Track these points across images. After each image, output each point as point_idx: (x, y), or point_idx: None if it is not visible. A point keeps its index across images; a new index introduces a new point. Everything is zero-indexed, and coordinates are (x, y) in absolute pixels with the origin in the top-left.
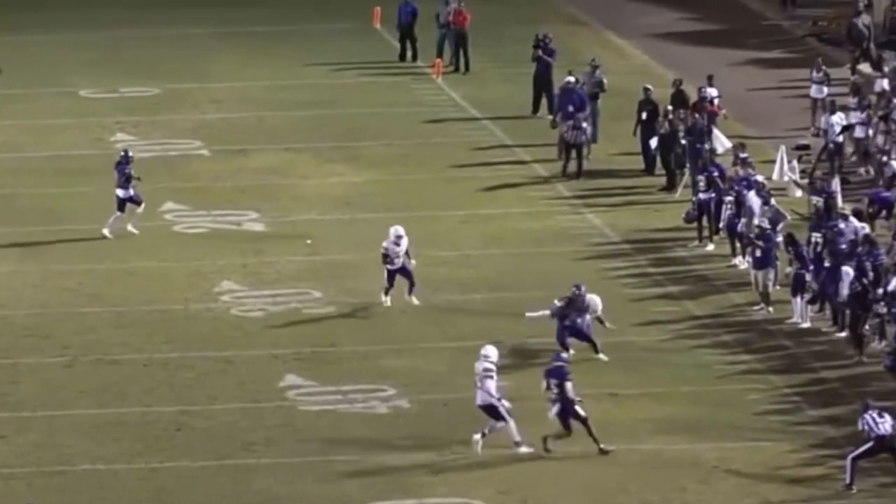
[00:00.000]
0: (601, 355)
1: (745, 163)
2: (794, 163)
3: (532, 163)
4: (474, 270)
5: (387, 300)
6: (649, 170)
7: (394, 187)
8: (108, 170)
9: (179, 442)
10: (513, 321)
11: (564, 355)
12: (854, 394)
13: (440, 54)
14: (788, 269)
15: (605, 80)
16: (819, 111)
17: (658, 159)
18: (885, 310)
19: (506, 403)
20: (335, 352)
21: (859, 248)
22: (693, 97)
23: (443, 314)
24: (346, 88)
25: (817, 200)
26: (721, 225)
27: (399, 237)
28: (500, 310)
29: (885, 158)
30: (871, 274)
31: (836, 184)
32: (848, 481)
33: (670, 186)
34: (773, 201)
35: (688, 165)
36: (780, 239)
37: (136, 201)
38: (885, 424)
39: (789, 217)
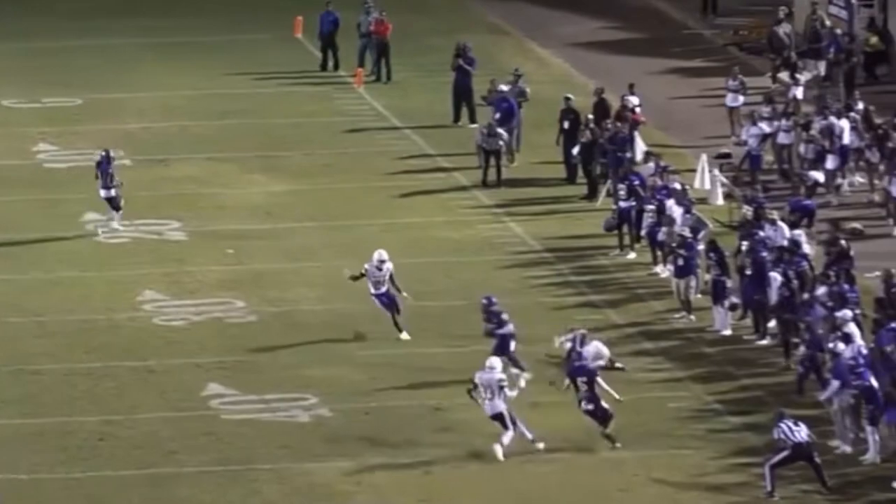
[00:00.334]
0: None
1: (665, 171)
2: (717, 171)
3: (453, 170)
4: (397, 280)
5: (404, 334)
6: (571, 179)
7: (315, 197)
8: (31, 179)
9: (102, 451)
10: (433, 330)
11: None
12: (776, 402)
13: (362, 64)
14: (707, 277)
15: (527, 90)
16: (738, 120)
17: (580, 168)
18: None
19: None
20: (257, 361)
21: (784, 255)
22: (615, 106)
23: (364, 323)
24: (267, 98)
25: (747, 209)
26: (642, 233)
27: (382, 261)
28: (422, 319)
29: (805, 166)
30: (794, 281)
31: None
32: (769, 489)
33: (592, 195)
34: (694, 209)
35: (609, 174)
36: (701, 247)
37: (114, 204)
38: (800, 432)
39: (710, 225)
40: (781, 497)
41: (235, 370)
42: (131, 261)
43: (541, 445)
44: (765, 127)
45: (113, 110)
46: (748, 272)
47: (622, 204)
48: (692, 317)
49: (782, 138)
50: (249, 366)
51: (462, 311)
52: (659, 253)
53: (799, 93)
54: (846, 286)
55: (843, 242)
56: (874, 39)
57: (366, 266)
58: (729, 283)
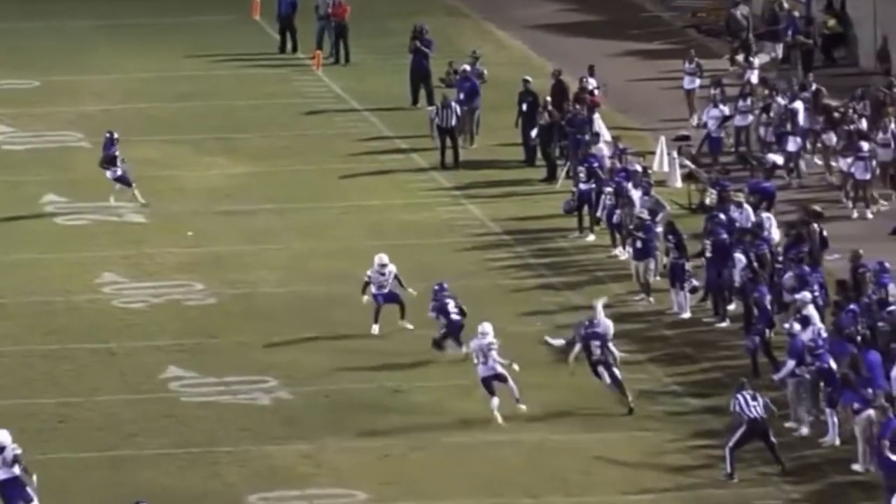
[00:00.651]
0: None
1: (624, 153)
2: (675, 153)
3: (412, 153)
4: (355, 262)
5: (375, 328)
6: (530, 161)
7: (274, 179)
8: None
9: (62, 434)
10: (392, 312)
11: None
12: (735, 384)
13: (320, 46)
14: (665, 260)
15: (485, 72)
16: (695, 102)
17: (539, 150)
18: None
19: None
20: (217, 343)
21: (747, 238)
22: (573, 88)
23: (324, 306)
24: (226, 80)
25: (711, 192)
26: (599, 214)
27: (383, 265)
28: None
29: (764, 150)
30: (755, 264)
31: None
32: (728, 471)
33: (551, 177)
34: (652, 191)
35: (568, 156)
36: (659, 229)
37: (125, 181)
38: (757, 407)
39: (668, 207)
40: (741, 479)
41: (195, 352)
42: (90, 243)
43: (523, 407)
44: (725, 109)
45: (71, 92)
46: (708, 254)
47: (582, 186)
48: (651, 299)
49: (739, 120)
50: (209, 348)
51: (421, 294)
52: (618, 235)
53: (754, 77)
54: (807, 268)
55: (814, 226)
56: (832, 22)
57: (368, 273)
58: (688, 266)
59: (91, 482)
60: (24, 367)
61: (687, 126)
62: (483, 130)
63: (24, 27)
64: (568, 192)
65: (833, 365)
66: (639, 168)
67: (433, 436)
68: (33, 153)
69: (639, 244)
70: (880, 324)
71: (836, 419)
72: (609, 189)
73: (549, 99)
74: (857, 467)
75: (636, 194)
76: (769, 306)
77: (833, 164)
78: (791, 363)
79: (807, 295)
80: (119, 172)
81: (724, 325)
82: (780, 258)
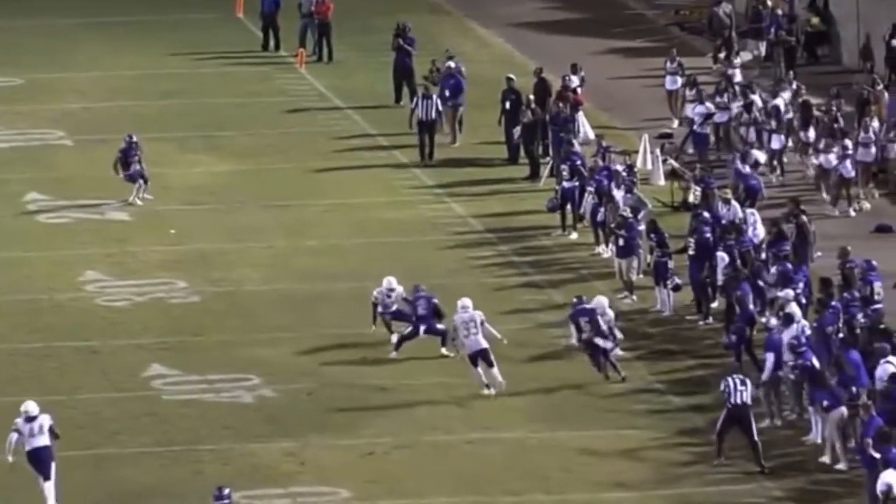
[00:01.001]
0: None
1: (608, 151)
2: (658, 151)
3: (395, 151)
4: (339, 260)
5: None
6: (513, 159)
7: (258, 177)
8: None
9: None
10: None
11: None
12: (718, 382)
13: (303, 44)
14: (649, 258)
15: (462, 69)
16: (677, 101)
17: (521, 148)
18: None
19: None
20: (200, 341)
21: (731, 235)
22: (556, 86)
23: (307, 304)
24: (209, 78)
25: (695, 190)
26: (582, 212)
27: (391, 290)
28: (365, 299)
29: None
30: (738, 261)
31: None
32: (715, 453)
33: (534, 175)
34: (635, 189)
35: (551, 154)
36: (642, 227)
37: (135, 178)
38: (744, 393)
39: (651, 205)
40: (726, 476)
41: (178, 350)
42: (73, 241)
43: (492, 391)
44: (711, 106)
45: (54, 90)
46: (691, 252)
47: (565, 184)
48: (634, 297)
49: (718, 117)
50: (192, 346)
51: (405, 291)
52: (601, 233)
53: (737, 75)
54: (789, 266)
55: (803, 218)
56: (815, 20)
57: (375, 294)
58: (671, 264)
59: (74, 480)
60: (8, 365)
61: (669, 124)
62: (466, 128)
63: (8, 25)
64: (551, 190)
65: (816, 363)
66: (620, 168)
67: (416, 434)
68: (16, 151)
69: (621, 242)
70: (861, 319)
71: (819, 417)
72: (591, 188)
73: (531, 97)
74: (824, 459)
75: (619, 192)
76: (751, 305)
77: (814, 160)
78: (771, 357)
79: (789, 292)
80: (131, 171)
81: (707, 322)
82: (763, 255)
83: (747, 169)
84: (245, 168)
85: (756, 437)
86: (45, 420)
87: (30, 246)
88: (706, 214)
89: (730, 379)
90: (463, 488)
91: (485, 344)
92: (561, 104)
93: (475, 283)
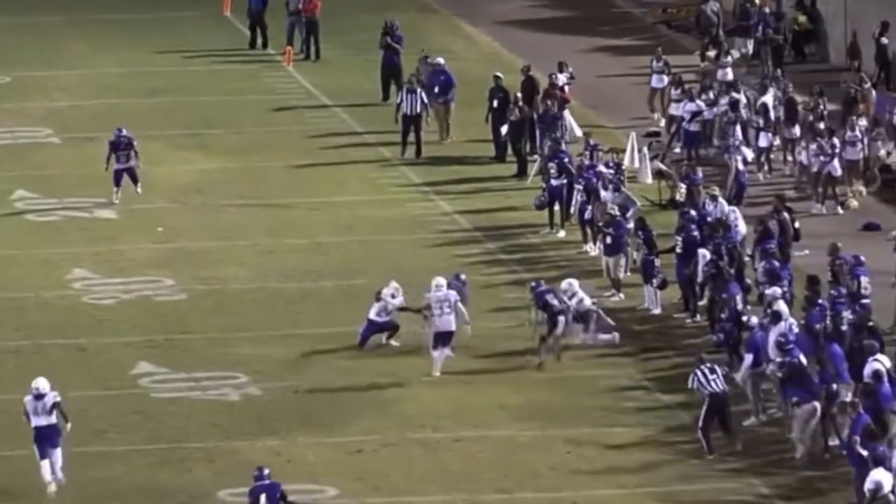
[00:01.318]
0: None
1: (595, 150)
2: (645, 149)
3: (383, 149)
4: (325, 258)
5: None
6: (500, 157)
7: (245, 175)
8: None
9: (32, 430)
10: (364, 308)
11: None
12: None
13: (290, 42)
14: (636, 255)
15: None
16: (663, 99)
17: (509, 146)
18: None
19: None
20: (187, 339)
21: (719, 231)
22: (544, 84)
23: (294, 302)
24: (196, 76)
25: (681, 187)
26: (571, 210)
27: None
28: (352, 297)
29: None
30: (725, 258)
31: (699, 172)
32: (706, 450)
33: (521, 173)
34: (623, 188)
35: (539, 152)
36: (630, 225)
37: (118, 179)
38: (716, 381)
39: (639, 203)
40: (711, 475)
41: (165, 348)
42: (61, 239)
43: (436, 374)
44: (701, 104)
45: (42, 88)
46: (678, 250)
47: (553, 182)
48: (622, 295)
49: (707, 114)
50: (179, 344)
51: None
52: (588, 231)
53: (728, 74)
54: (776, 263)
55: (785, 215)
56: (802, 18)
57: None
58: (657, 262)
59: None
60: None
61: (657, 123)
62: (453, 126)
63: None
64: (538, 187)
65: (803, 360)
66: (604, 169)
67: (404, 432)
68: (4, 149)
69: (609, 240)
70: (847, 315)
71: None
72: (579, 186)
73: (519, 95)
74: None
75: (606, 191)
76: (739, 305)
77: (799, 158)
78: (749, 358)
79: (777, 290)
80: (128, 164)
81: (694, 320)
82: (749, 252)
83: (741, 166)
84: (232, 166)
85: (732, 426)
86: (52, 398)
87: (17, 244)
88: (693, 213)
89: (698, 371)
90: (452, 486)
91: (453, 327)
92: (549, 102)
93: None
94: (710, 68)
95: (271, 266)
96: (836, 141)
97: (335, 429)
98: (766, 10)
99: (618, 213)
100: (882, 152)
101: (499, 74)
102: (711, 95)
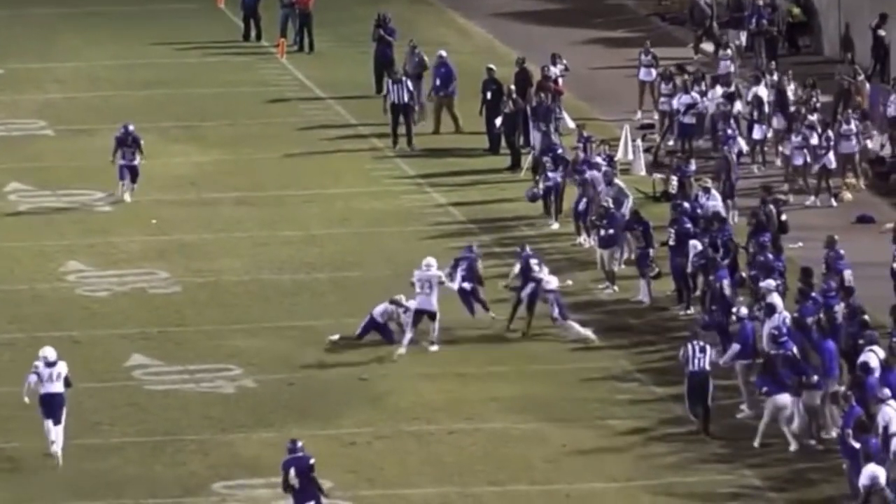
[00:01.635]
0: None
1: (589, 142)
2: (639, 142)
3: (376, 140)
4: (319, 250)
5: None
6: (494, 149)
7: (239, 167)
8: None
9: (25, 422)
10: (358, 300)
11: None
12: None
13: (284, 34)
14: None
15: (426, 59)
16: (652, 92)
17: (503, 139)
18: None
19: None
20: (182, 331)
21: (714, 224)
22: (537, 76)
23: (288, 294)
24: (190, 68)
25: (674, 179)
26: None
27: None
28: (346, 289)
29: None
30: (721, 250)
31: (692, 164)
32: (696, 429)
33: (515, 166)
34: (616, 180)
35: (532, 146)
36: (625, 215)
37: (122, 175)
38: (702, 361)
39: (632, 196)
40: (705, 466)
41: (159, 341)
42: (55, 231)
43: (434, 348)
44: (696, 96)
45: (35, 80)
46: (671, 243)
47: (549, 174)
48: (616, 288)
49: (702, 107)
50: (173, 336)
51: (386, 281)
52: (581, 224)
53: (730, 66)
54: (771, 256)
55: (770, 208)
56: (796, 10)
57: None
58: (652, 253)
59: (55, 470)
60: None
61: (651, 115)
62: (446, 118)
63: None
64: (531, 180)
65: (797, 352)
66: (603, 157)
67: (398, 424)
68: None
69: (603, 233)
70: (841, 309)
71: (800, 406)
72: (575, 178)
73: (512, 87)
74: (756, 444)
75: (600, 182)
76: (726, 290)
77: (782, 150)
78: (736, 347)
79: (771, 282)
80: (127, 163)
81: (688, 312)
82: (744, 245)
83: (735, 158)
84: (226, 158)
85: (710, 403)
86: (62, 368)
87: (11, 236)
88: (686, 205)
89: (689, 345)
90: (445, 479)
91: (433, 307)
92: (542, 94)
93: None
94: (705, 60)
95: (265, 258)
96: (830, 133)
97: (329, 421)
98: (760, 1)
99: (612, 206)
100: (872, 145)
101: (491, 66)
102: (703, 87)
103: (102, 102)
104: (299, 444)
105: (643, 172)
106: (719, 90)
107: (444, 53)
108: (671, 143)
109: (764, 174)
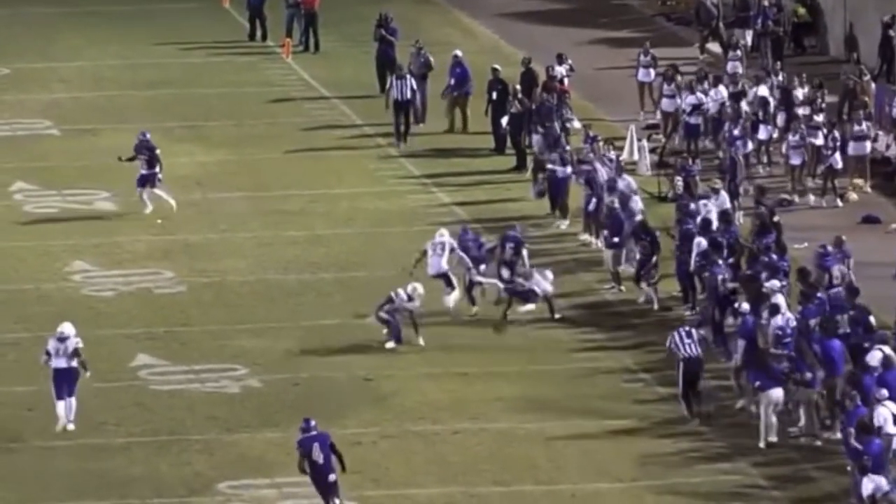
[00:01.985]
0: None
1: (595, 141)
2: (644, 142)
3: (382, 141)
4: (324, 250)
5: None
6: (499, 149)
7: (244, 167)
8: None
9: (31, 421)
10: (363, 300)
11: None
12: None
13: (289, 34)
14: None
15: (432, 60)
16: (652, 93)
17: (509, 139)
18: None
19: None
20: (187, 331)
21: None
22: (543, 76)
23: (293, 294)
24: (195, 68)
25: (678, 180)
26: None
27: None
28: (351, 289)
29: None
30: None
31: (698, 164)
32: (685, 414)
33: (520, 166)
34: (621, 181)
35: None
36: (638, 217)
37: (142, 183)
38: (691, 346)
39: (638, 196)
40: (708, 466)
41: (165, 341)
42: (60, 231)
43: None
44: (702, 96)
45: (41, 80)
46: (676, 243)
47: (558, 171)
48: (622, 288)
49: (711, 109)
50: (179, 336)
51: (391, 281)
52: (591, 223)
53: (739, 67)
54: (775, 256)
55: (762, 209)
56: (802, 10)
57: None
58: (655, 261)
59: (60, 470)
60: None
61: (654, 115)
62: (452, 118)
63: None
64: (533, 180)
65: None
66: (613, 155)
67: (403, 424)
68: (3, 141)
69: (608, 233)
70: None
71: (800, 409)
72: (581, 179)
73: (518, 87)
74: (762, 444)
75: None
76: (720, 287)
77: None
78: (742, 344)
79: (775, 283)
80: (144, 172)
81: (693, 313)
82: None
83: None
84: (231, 158)
85: (700, 388)
86: (74, 343)
87: (16, 236)
88: (692, 206)
89: (675, 333)
90: (450, 478)
91: (445, 268)
92: (544, 94)
93: (460, 272)
94: (711, 60)
95: (270, 258)
96: (836, 134)
97: (334, 421)
98: (766, 2)
99: (617, 206)
100: (877, 145)
101: (496, 67)
102: (706, 86)
103: (107, 102)
104: (313, 422)
105: (648, 172)
106: (722, 90)
107: (459, 53)
108: (676, 142)
109: (769, 174)
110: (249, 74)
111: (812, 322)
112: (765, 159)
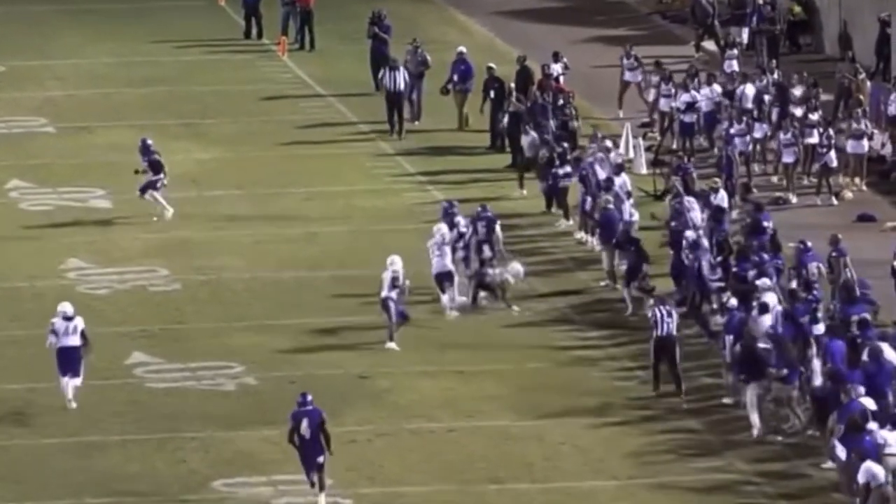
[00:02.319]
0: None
1: (601, 142)
2: (640, 140)
3: (377, 138)
4: (320, 248)
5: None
6: (496, 147)
7: (240, 164)
8: None
9: (26, 419)
10: (359, 298)
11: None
12: (696, 367)
13: (285, 32)
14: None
15: (429, 58)
16: (640, 94)
17: (505, 137)
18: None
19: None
20: (182, 329)
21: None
22: (538, 74)
23: (289, 291)
24: (191, 65)
25: (676, 180)
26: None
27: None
28: (346, 287)
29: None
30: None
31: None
32: (652, 388)
33: (516, 163)
34: (618, 179)
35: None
36: (636, 217)
37: (144, 189)
38: (670, 325)
39: (631, 200)
40: (705, 466)
41: (160, 338)
42: (55, 229)
43: (454, 314)
44: (696, 95)
45: (36, 78)
46: (666, 240)
47: (559, 171)
48: (617, 286)
49: (706, 107)
50: (174, 334)
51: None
52: (587, 221)
53: (735, 65)
54: (765, 256)
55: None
56: (797, 8)
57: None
58: (645, 267)
59: (56, 467)
60: None
61: (651, 114)
62: (447, 116)
63: None
64: (534, 180)
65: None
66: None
67: (398, 422)
68: None
69: (602, 231)
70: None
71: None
72: (578, 176)
73: (512, 85)
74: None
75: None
76: (705, 269)
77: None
78: (729, 339)
79: (766, 281)
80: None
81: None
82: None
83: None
84: (227, 156)
85: (678, 369)
86: (80, 322)
87: (11, 233)
88: (685, 202)
89: (657, 309)
90: (446, 476)
91: (450, 267)
92: (538, 93)
93: (458, 270)
94: (706, 58)
95: (266, 255)
96: (831, 132)
97: (329, 419)
98: (761, 0)
99: (612, 205)
100: (872, 144)
101: (491, 65)
102: (697, 83)
103: (103, 100)
104: (309, 397)
105: (644, 171)
106: (717, 88)
107: (464, 50)
108: (673, 143)
109: (763, 172)
110: (245, 72)
111: (802, 320)
112: (760, 157)
